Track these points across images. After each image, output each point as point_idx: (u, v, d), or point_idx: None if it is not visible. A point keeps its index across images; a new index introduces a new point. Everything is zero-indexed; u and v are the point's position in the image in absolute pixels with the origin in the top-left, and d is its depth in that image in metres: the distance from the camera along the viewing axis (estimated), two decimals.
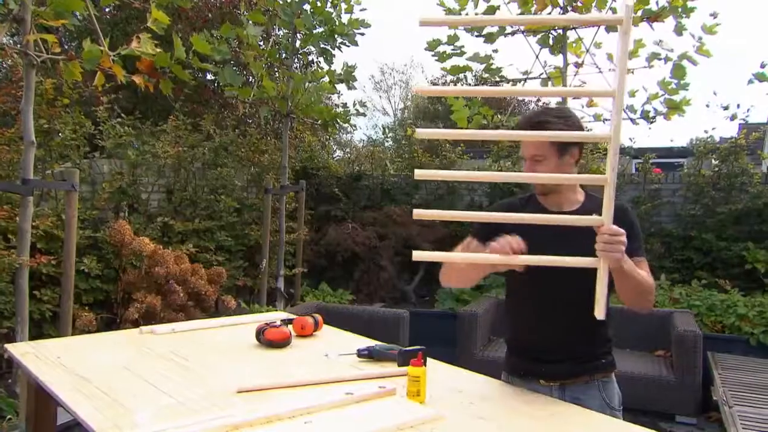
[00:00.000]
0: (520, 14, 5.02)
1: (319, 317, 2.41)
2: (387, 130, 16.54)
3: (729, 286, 5.02)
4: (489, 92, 2.95)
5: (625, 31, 1.40)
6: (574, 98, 4.98)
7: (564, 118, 1.72)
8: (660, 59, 4.75)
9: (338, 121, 5.52)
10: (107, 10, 7.81)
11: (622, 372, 3.77)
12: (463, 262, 1.69)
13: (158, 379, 1.75)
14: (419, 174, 1.39)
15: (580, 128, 1.82)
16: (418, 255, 1.46)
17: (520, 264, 1.53)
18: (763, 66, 4.49)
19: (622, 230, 1.48)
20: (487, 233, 1.68)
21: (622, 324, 4.35)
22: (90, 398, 1.59)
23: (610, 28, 4.81)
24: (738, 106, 5.75)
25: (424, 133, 1.42)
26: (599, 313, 1.47)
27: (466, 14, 5.15)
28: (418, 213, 1.39)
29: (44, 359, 1.93)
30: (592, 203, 1.77)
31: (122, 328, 3.67)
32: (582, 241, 1.53)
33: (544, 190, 1.81)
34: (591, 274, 1.72)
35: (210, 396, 1.62)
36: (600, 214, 1.52)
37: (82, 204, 4.04)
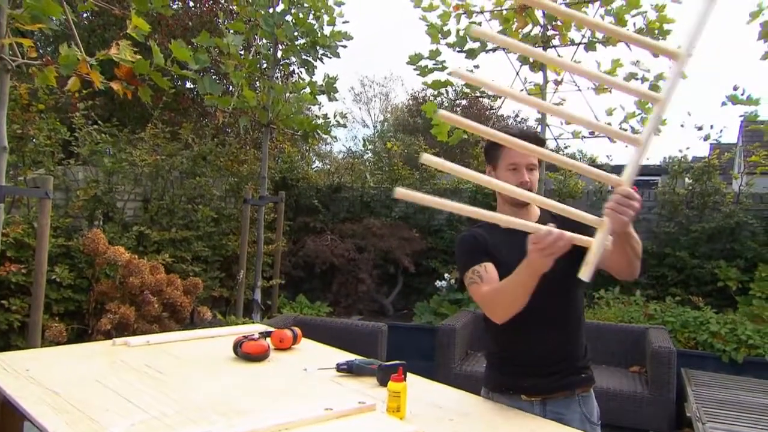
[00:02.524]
0: (501, 31, 5.10)
1: (297, 330, 2.38)
2: (367, 143, 16.56)
3: (702, 303, 5.11)
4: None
5: (681, 65, 1.40)
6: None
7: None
8: (637, 79, 4.86)
9: (319, 132, 5.51)
10: (85, 15, 7.72)
11: (598, 387, 3.80)
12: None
13: (132, 393, 1.70)
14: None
15: None
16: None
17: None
18: (735, 89, 4.60)
19: (637, 196, 1.43)
20: (483, 253, 1.72)
21: (598, 339, 4.39)
22: (59, 412, 1.54)
23: (589, 46, 4.91)
24: (711, 126, 5.88)
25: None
26: (585, 275, 1.35)
27: (448, 30, 5.20)
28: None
29: (11, 371, 1.86)
30: (545, 215, 1.78)
31: (94, 339, 3.58)
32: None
33: (522, 201, 1.79)
34: (570, 288, 1.72)
35: (186, 411, 1.58)
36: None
37: (55, 212, 3.95)
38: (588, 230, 1.45)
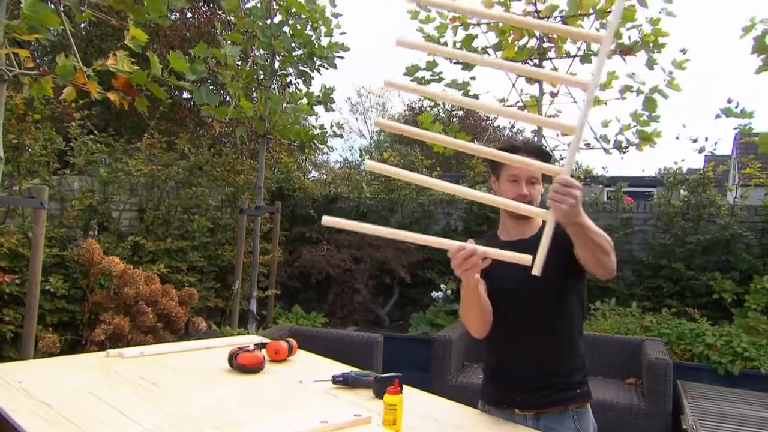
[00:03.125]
0: (497, 43, 5.14)
1: (293, 342, 2.37)
2: (363, 153, 16.60)
3: (698, 314, 5.11)
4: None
5: (605, 49, 1.42)
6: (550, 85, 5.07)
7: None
8: (632, 91, 4.89)
9: (315, 142, 5.52)
10: (82, 26, 7.73)
11: (594, 399, 3.80)
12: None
13: (126, 405, 1.69)
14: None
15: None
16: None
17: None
18: (729, 102, 4.64)
19: (577, 183, 1.41)
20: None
21: (594, 351, 4.38)
22: (52, 425, 1.52)
23: (585, 59, 4.94)
24: (706, 139, 5.90)
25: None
26: (535, 269, 1.37)
27: (445, 42, 5.24)
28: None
29: (3, 383, 1.84)
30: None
31: (88, 350, 3.55)
32: (549, 259, 1.52)
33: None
34: (561, 301, 1.71)
35: (180, 423, 1.57)
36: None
37: (50, 221, 3.93)
38: None
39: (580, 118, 1.43)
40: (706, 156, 6.82)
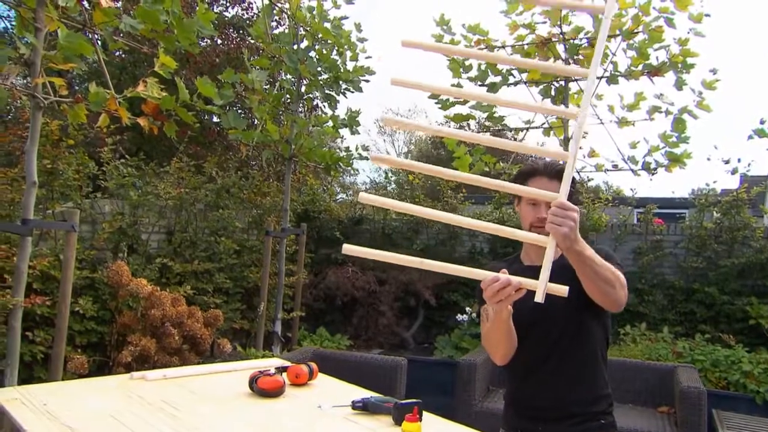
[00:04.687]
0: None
1: (314, 365, 2.36)
2: (389, 174, 16.66)
3: (733, 341, 4.94)
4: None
5: (606, 16, 1.50)
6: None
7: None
8: (661, 112, 4.82)
9: (341, 164, 5.56)
10: (117, 54, 7.99)
11: (625, 428, 3.68)
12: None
13: (147, 430, 1.70)
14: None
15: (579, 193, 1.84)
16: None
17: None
18: (762, 122, 4.54)
19: (574, 207, 1.40)
20: None
21: (624, 378, 4.27)
22: None
23: (612, 80, 4.90)
24: (739, 160, 5.76)
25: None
26: (538, 297, 1.34)
27: (469, 64, 5.25)
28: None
29: (30, 405, 1.88)
30: None
31: (115, 371, 3.60)
32: (573, 286, 1.50)
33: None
34: (585, 328, 1.67)
35: None
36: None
37: (81, 244, 4.02)
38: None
39: (571, 147, 1.43)
40: (741, 176, 6.66)
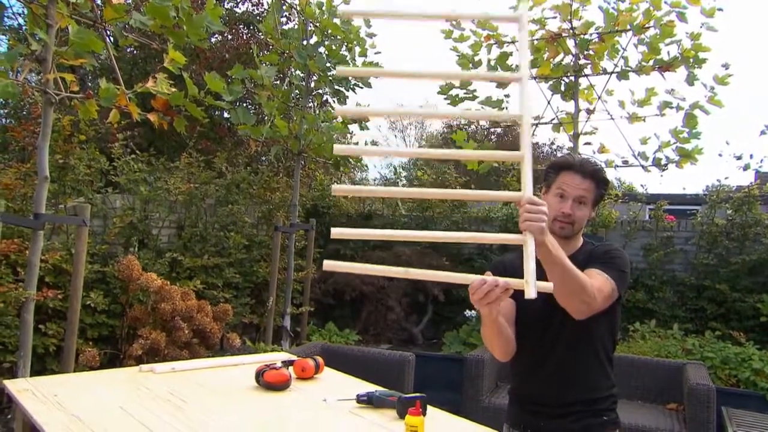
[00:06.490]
0: (533, 60, 5.10)
1: (320, 359, 2.38)
2: (400, 170, 16.63)
3: (744, 338, 4.90)
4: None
5: (522, 27, 1.53)
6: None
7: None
8: (672, 108, 4.78)
9: (350, 160, 5.58)
10: (129, 49, 8.04)
11: (633, 424, 3.67)
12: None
13: (153, 422, 1.73)
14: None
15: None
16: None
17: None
18: None
19: (542, 201, 1.41)
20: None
21: (633, 375, 4.25)
22: None
23: (622, 75, 4.86)
24: (751, 156, 5.71)
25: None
26: (529, 292, 1.32)
27: (479, 60, 5.24)
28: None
29: (40, 396, 1.91)
30: (586, 246, 1.79)
31: (126, 364, 3.64)
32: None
33: (572, 232, 1.77)
34: (590, 325, 1.67)
35: None
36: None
37: (92, 238, 4.07)
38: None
39: (523, 149, 1.43)
40: (755, 171, 6.58)
